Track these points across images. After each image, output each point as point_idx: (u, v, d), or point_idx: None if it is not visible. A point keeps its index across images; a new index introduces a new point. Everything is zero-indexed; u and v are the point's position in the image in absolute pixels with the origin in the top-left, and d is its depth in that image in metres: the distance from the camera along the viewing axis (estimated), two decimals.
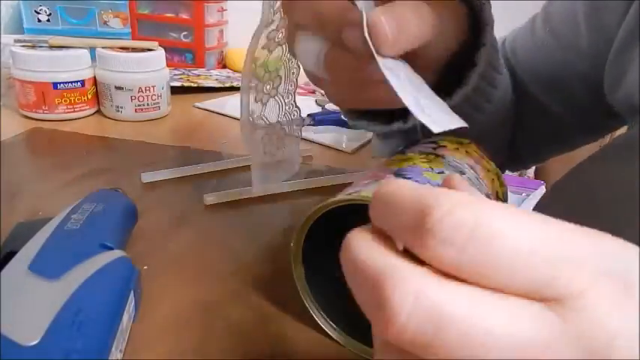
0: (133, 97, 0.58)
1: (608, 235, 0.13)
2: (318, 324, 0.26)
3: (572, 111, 0.41)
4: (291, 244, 0.25)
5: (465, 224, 0.12)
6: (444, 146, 0.30)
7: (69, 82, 0.55)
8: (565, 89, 0.40)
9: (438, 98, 0.23)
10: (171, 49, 0.85)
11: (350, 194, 0.23)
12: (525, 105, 0.42)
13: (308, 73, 0.28)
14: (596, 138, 0.45)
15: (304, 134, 0.59)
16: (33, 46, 0.56)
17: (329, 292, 0.26)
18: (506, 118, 0.41)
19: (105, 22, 0.80)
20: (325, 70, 0.25)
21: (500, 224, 0.12)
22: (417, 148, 0.31)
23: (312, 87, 0.83)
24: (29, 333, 0.19)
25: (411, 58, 0.24)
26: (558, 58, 0.39)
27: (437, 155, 0.28)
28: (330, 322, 0.26)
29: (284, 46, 0.32)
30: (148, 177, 0.43)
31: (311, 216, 0.24)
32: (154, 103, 0.60)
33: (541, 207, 0.33)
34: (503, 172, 0.53)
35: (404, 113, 0.31)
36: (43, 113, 0.55)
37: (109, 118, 0.59)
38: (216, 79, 0.80)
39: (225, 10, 0.95)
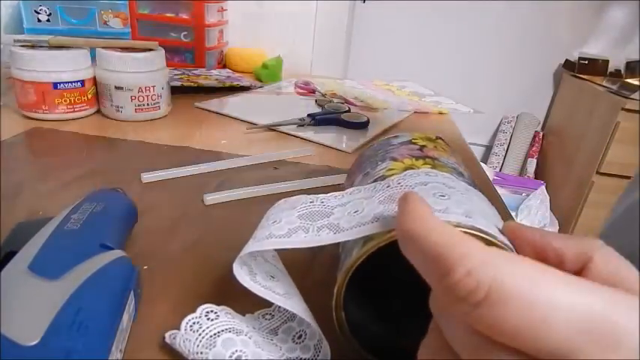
0: (133, 97, 0.58)
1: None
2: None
3: None
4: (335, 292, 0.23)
5: (480, 287, 0.14)
6: (424, 145, 0.30)
7: (69, 82, 0.55)
8: None
9: None
10: (171, 49, 0.85)
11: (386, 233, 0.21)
12: None
13: None
14: None
15: (304, 134, 0.59)
16: (33, 46, 0.56)
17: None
18: None
19: (105, 22, 0.80)
20: None
21: (514, 290, 0.13)
22: (398, 150, 0.30)
23: (312, 87, 0.83)
24: (29, 333, 0.19)
25: None
26: None
27: (428, 157, 0.28)
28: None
29: None
30: (147, 177, 0.43)
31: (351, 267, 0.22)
32: (154, 103, 0.60)
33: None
34: None
35: None
36: (43, 113, 0.55)
37: (109, 118, 0.59)
38: (216, 79, 0.80)
39: (225, 10, 0.95)
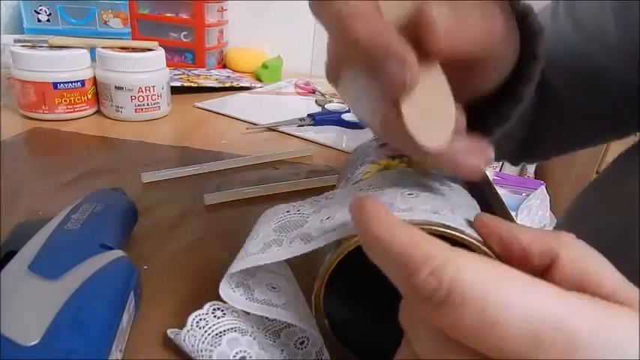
0: (133, 97, 0.58)
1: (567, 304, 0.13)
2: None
3: (597, 105, 0.37)
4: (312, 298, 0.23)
5: (441, 287, 0.14)
6: None
7: (69, 82, 0.55)
8: (587, 82, 0.36)
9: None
10: (171, 49, 0.85)
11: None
12: (544, 94, 0.39)
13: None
14: (626, 135, 0.40)
15: (304, 134, 0.59)
16: (33, 46, 0.56)
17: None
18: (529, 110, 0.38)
19: (105, 22, 0.80)
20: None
21: (470, 290, 0.13)
22: (377, 152, 0.30)
23: (313, 87, 0.83)
24: (29, 333, 0.19)
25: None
26: (581, 51, 0.36)
27: (404, 155, 0.28)
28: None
29: None
30: (148, 177, 0.43)
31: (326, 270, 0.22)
32: (154, 103, 0.60)
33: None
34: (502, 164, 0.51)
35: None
36: (43, 113, 0.55)
37: (109, 118, 0.59)
38: (216, 79, 0.80)
39: (225, 10, 0.95)
